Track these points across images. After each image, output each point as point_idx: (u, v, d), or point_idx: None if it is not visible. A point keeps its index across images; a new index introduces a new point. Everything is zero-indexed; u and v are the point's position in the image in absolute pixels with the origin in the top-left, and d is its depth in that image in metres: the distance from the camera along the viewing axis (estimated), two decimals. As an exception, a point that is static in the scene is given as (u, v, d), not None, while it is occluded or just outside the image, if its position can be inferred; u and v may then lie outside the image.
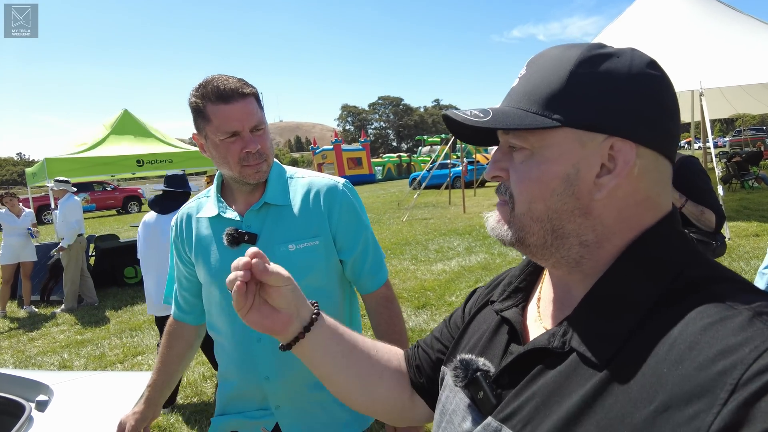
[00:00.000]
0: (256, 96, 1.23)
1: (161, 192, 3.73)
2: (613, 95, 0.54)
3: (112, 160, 8.01)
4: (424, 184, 14.54)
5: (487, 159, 23.19)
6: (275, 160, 1.37)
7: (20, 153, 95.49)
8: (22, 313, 6.67)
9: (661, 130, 0.55)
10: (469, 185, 17.14)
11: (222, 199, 1.34)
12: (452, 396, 0.67)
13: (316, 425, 1.34)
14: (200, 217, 1.36)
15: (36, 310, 6.74)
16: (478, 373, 0.62)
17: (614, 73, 0.54)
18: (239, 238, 1.26)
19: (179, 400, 3.71)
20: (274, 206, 1.30)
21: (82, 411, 1.66)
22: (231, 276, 0.68)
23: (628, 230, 0.56)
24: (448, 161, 16.49)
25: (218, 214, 1.32)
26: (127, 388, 1.84)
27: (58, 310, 6.59)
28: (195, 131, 1.27)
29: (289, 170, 1.39)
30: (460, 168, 14.42)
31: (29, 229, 6.56)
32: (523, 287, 0.70)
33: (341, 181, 1.38)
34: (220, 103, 1.17)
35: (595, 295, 0.55)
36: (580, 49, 0.56)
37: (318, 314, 0.76)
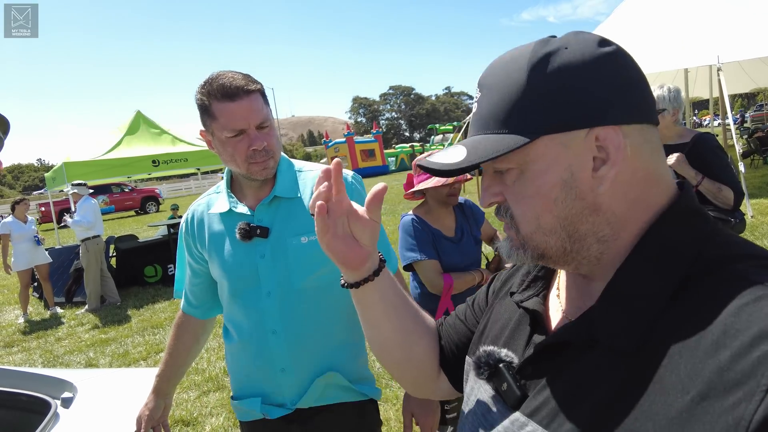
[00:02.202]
0: (261, 92, 1.23)
1: None
2: (576, 88, 0.52)
3: (128, 162, 8.13)
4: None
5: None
6: (283, 154, 1.38)
7: (40, 159, 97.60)
8: (47, 315, 6.84)
9: (634, 101, 0.54)
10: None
11: (232, 194, 1.36)
12: (477, 387, 0.66)
13: (330, 418, 1.35)
14: (212, 212, 1.37)
15: (61, 311, 6.91)
16: (501, 365, 0.61)
17: (569, 66, 0.53)
18: (251, 232, 1.27)
19: (201, 393, 3.77)
20: (285, 199, 1.31)
21: (105, 407, 1.69)
22: (313, 198, 0.68)
23: (642, 212, 0.55)
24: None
25: (230, 209, 1.33)
26: (148, 384, 1.87)
27: (82, 311, 6.75)
28: (202, 128, 1.28)
29: (297, 164, 1.40)
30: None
31: (36, 237, 6.68)
32: (542, 275, 0.68)
33: (350, 173, 1.38)
34: (226, 100, 1.17)
35: (615, 285, 0.54)
36: (526, 54, 0.55)
37: (385, 261, 0.77)
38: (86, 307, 6.79)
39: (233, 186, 1.38)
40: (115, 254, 8.06)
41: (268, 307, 1.29)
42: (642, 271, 0.52)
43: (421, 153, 31.11)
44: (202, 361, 4.41)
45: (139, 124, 9.34)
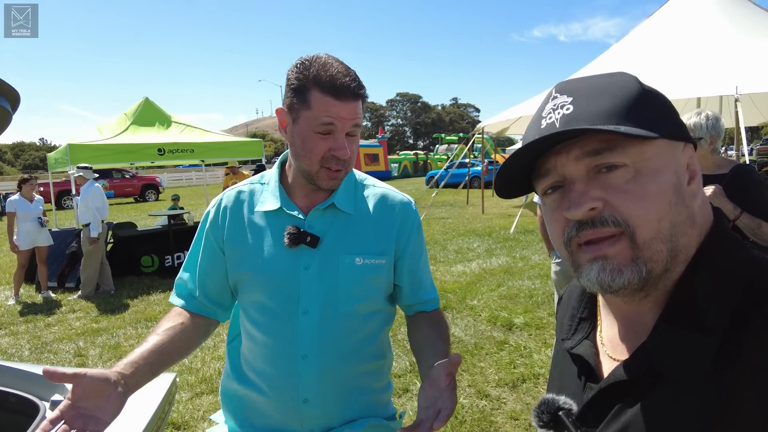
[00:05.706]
0: (364, 99, 1.11)
1: None
2: (670, 106, 0.57)
3: (134, 148, 8.02)
4: (442, 183, 14.39)
5: (505, 159, 22.81)
6: None
7: (43, 138, 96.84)
8: (39, 298, 6.69)
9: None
10: (487, 185, 16.95)
11: (283, 190, 1.19)
12: None
13: None
14: (257, 209, 1.20)
15: (53, 295, 6.75)
16: (560, 413, 0.60)
17: (651, 89, 0.57)
18: (300, 238, 1.12)
19: (194, 395, 3.64)
20: (342, 212, 1.17)
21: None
22: None
23: (698, 234, 0.55)
24: (467, 160, 16.33)
25: (280, 208, 1.17)
26: (145, 387, 1.75)
27: (74, 296, 6.59)
28: (283, 106, 1.12)
29: (359, 174, 1.26)
30: (480, 168, 14.21)
31: (40, 218, 6.55)
32: (587, 316, 0.67)
33: (412, 199, 1.28)
34: (331, 95, 1.04)
35: (668, 318, 0.52)
36: (621, 74, 0.57)
37: None
38: (79, 292, 6.65)
39: (282, 180, 1.22)
40: (111, 241, 7.92)
41: (302, 328, 1.13)
42: (693, 305, 0.51)
43: (424, 161, 31.13)
44: (196, 360, 4.27)
45: (147, 111, 9.25)
